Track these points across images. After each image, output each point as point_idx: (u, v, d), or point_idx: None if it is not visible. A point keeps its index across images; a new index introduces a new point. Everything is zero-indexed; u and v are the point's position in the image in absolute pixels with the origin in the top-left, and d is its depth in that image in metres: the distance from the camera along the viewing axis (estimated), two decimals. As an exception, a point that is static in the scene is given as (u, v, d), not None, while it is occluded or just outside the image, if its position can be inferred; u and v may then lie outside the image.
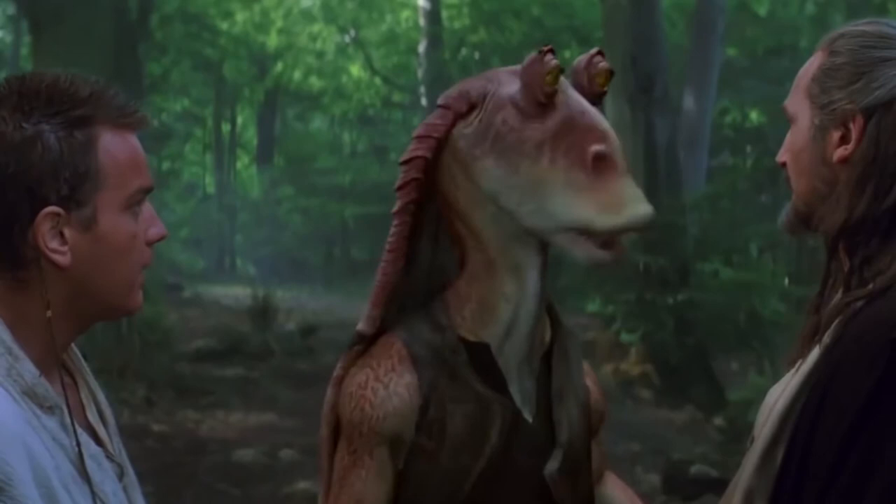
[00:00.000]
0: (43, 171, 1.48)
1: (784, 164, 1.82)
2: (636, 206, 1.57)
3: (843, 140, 1.71)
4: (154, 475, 6.57)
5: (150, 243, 1.61)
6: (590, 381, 1.86)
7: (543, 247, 1.69)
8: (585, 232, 1.59)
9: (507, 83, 1.66)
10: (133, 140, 1.59)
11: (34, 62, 10.82)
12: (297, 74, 25.84)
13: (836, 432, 1.57)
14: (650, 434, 9.11)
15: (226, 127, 32.19)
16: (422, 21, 21.66)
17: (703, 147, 14.83)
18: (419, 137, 1.71)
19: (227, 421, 9.60)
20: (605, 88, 1.69)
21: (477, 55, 21.92)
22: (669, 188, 12.02)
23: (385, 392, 1.69)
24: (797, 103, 1.78)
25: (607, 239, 1.60)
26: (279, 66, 25.36)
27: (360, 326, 1.75)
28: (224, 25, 24.13)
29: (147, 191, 1.60)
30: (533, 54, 1.61)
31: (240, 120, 33.19)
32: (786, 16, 18.80)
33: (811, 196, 1.77)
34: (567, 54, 19.84)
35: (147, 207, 1.61)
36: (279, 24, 24.11)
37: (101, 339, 9.84)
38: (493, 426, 1.68)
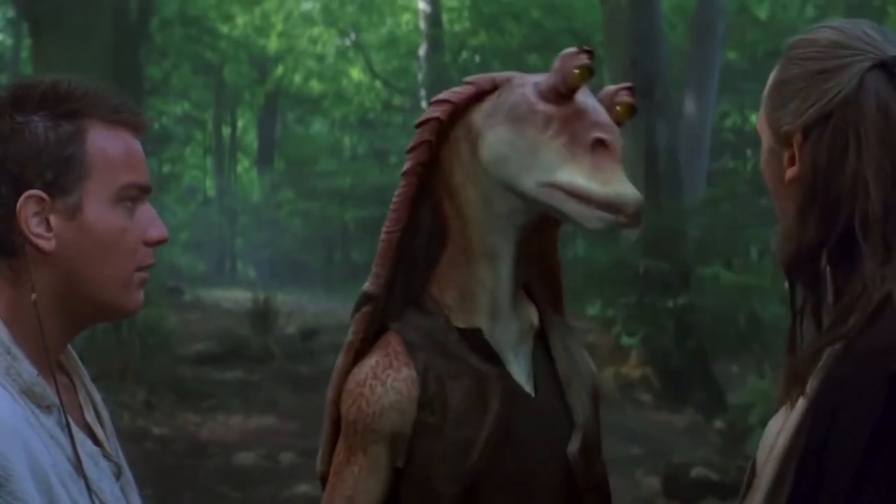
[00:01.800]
0: (27, 157, 1.52)
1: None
2: (625, 186, 1.61)
3: (792, 161, 1.60)
4: (154, 478, 6.57)
5: (149, 244, 1.62)
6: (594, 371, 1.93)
7: (519, 238, 1.75)
8: (573, 194, 1.63)
9: (533, 77, 1.73)
10: (128, 138, 1.61)
11: (34, 65, 10.83)
12: (297, 78, 25.85)
13: (842, 479, 1.48)
14: (650, 437, 9.11)
15: (226, 130, 32.22)
16: (422, 24, 21.68)
17: (704, 150, 14.83)
18: (437, 101, 1.76)
19: (228, 424, 9.61)
20: (622, 123, 1.72)
21: (477, 58, 21.92)
22: (670, 191, 12.03)
23: (382, 389, 1.72)
24: (759, 120, 1.70)
25: (607, 205, 1.62)
26: (279, 70, 25.37)
27: (367, 286, 1.78)
28: (224, 29, 24.13)
29: (142, 189, 1.61)
30: (572, 49, 1.68)
31: (240, 123, 33.21)
32: (786, 18, 18.80)
33: (781, 217, 1.67)
34: (567, 57, 19.85)
35: (147, 208, 1.62)
36: (279, 27, 24.11)
37: (101, 342, 9.84)
38: (493, 396, 1.71)
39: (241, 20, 24.02)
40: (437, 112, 1.74)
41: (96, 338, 9.88)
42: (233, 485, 7.55)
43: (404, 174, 1.76)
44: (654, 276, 11.49)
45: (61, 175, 1.53)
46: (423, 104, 21.90)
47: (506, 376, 1.74)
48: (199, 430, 9.29)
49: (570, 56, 1.65)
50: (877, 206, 1.53)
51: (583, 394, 1.81)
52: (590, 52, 1.66)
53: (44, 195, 1.52)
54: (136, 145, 1.62)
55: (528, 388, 1.77)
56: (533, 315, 1.82)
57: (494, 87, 1.74)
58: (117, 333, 10.08)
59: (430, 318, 1.75)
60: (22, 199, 1.51)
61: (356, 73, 25.39)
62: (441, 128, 1.74)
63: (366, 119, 27.01)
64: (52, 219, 1.53)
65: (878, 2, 17.38)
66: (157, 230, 1.63)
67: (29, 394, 1.52)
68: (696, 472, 7.65)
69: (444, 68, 21.14)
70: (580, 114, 1.66)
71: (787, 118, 1.60)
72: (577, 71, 1.64)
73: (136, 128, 1.63)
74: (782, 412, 1.66)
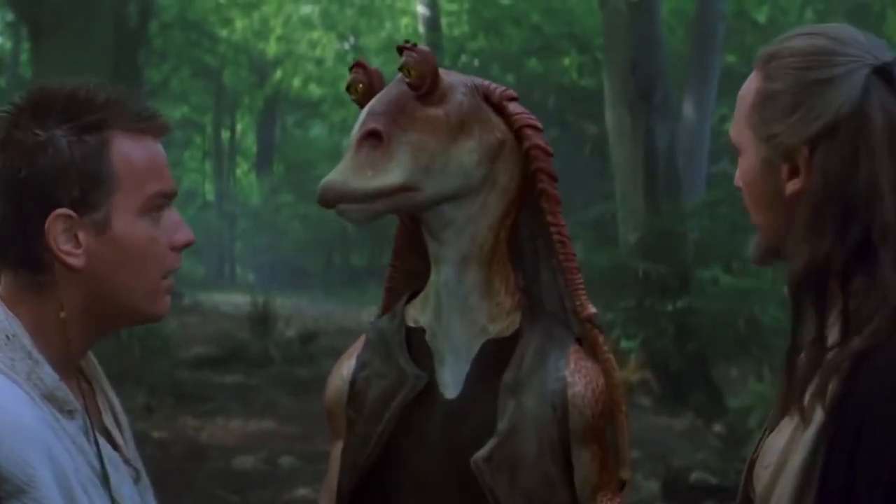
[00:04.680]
0: (53, 175, 1.50)
1: (740, 189, 1.71)
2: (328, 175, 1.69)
3: (794, 173, 1.58)
4: (153, 482, 6.56)
5: (176, 248, 1.62)
6: (581, 384, 1.80)
7: (449, 238, 1.77)
8: None
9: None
10: (151, 145, 1.59)
11: (34, 69, 10.83)
12: (296, 81, 25.87)
13: (875, 492, 1.46)
14: (650, 440, 9.09)
15: (225, 134, 32.25)
16: (421, 28, 21.65)
17: (703, 154, 14.83)
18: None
19: (227, 427, 9.60)
20: (412, 80, 1.71)
21: (476, 62, 21.90)
22: (669, 195, 12.02)
23: (334, 376, 1.84)
24: (740, 132, 1.65)
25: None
26: (279, 74, 25.40)
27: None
28: (224, 32, 24.16)
29: (169, 196, 1.61)
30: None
31: (239, 127, 33.23)
32: (785, 22, 18.80)
33: (773, 229, 1.66)
34: (566, 61, 19.89)
35: (172, 213, 1.62)
36: (279, 31, 24.13)
37: (100, 346, 9.83)
38: (398, 395, 1.76)
39: (240, 24, 24.04)
40: None
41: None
42: (232, 488, 7.54)
43: None
44: (653, 280, 11.49)
45: (88, 191, 1.52)
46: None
47: (420, 377, 1.77)
48: (199, 434, 9.28)
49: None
50: (892, 214, 1.53)
51: (530, 402, 1.75)
52: (358, 65, 1.75)
53: (72, 213, 1.51)
54: (160, 151, 1.62)
55: (453, 388, 1.78)
56: (498, 319, 1.80)
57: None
58: (116, 337, 10.07)
59: (392, 318, 1.83)
60: (50, 218, 1.50)
61: (355, 77, 25.36)
62: None
63: (365, 123, 26.97)
64: (81, 235, 1.52)
65: (877, 5, 17.40)
66: (184, 234, 1.63)
67: (51, 399, 1.51)
68: (695, 475, 7.65)
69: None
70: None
71: (789, 131, 1.57)
72: (350, 88, 1.75)
73: (159, 132, 1.62)
74: (785, 428, 1.63)
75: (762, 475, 1.66)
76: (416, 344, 1.80)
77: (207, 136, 31.97)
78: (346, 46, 25.73)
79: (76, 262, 1.52)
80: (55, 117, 1.52)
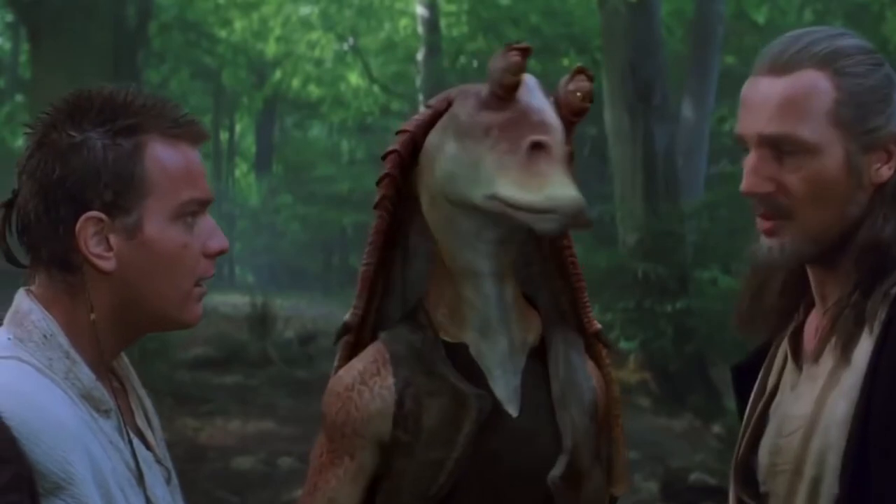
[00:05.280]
0: (85, 177, 1.50)
1: (766, 195, 1.71)
2: (559, 190, 1.58)
3: (885, 160, 1.69)
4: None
5: (209, 255, 1.61)
6: (597, 383, 1.85)
7: (495, 255, 1.72)
8: (511, 205, 1.61)
9: (481, 86, 1.71)
10: (187, 151, 1.58)
11: (33, 69, 10.83)
12: (295, 82, 25.83)
13: None
14: (648, 442, 9.09)
15: (224, 135, 32.22)
16: (420, 29, 21.66)
17: (702, 155, 14.83)
18: (398, 133, 1.78)
19: (226, 428, 9.60)
20: (585, 105, 1.70)
21: (475, 63, 21.89)
22: (668, 196, 12.03)
23: (369, 395, 1.74)
24: (822, 133, 1.67)
25: (544, 211, 1.60)
26: (278, 74, 25.36)
27: (347, 316, 1.81)
28: (223, 33, 24.14)
29: (203, 203, 1.60)
30: (502, 49, 1.66)
31: (238, 128, 33.21)
32: (784, 24, 18.79)
33: (836, 224, 1.69)
34: (566, 62, 19.86)
35: (207, 219, 1.61)
36: (278, 31, 24.10)
37: (99, 347, 9.85)
38: (466, 419, 1.70)
39: (239, 25, 24.02)
40: (396, 145, 1.76)
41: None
42: (231, 489, 7.55)
43: (375, 207, 1.79)
44: (652, 281, 11.49)
45: (121, 195, 1.51)
46: (422, 109, 21.90)
47: (484, 397, 1.72)
48: (198, 435, 9.27)
49: (500, 56, 1.64)
50: None
51: (577, 414, 1.77)
52: (522, 50, 1.64)
53: (103, 216, 1.51)
54: (196, 158, 1.61)
55: (512, 407, 1.75)
56: (531, 330, 1.79)
57: (448, 105, 1.74)
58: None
59: (419, 332, 1.76)
60: (81, 220, 1.50)
61: (354, 78, 25.37)
62: (401, 160, 1.76)
63: (364, 124, 27.00)
64: (112, 238, 1.52)
65: (875, 6, 17.39)
66: (218, 241, 1.61)
67: (88, 398, 1.52)
68: (694, 476, 7.65)
69: (442, 73, 21.13)
70: (519, 117, 1.64)
71: (884, 124, 1.67)
72: (506, 70, 1.63)
73: (196, 139, 1.61)
74: (803, 391, 1.72)
75: (784, 446, 1.71)
76: (461, 360, 1.74)
77: (206, 136, 31.93)
78: (345, 47, 25.71)
79: (106, 265, 1.52)
80: (91, 120, 1.52)
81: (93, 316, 1.53)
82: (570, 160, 1.64)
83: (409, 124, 1.77)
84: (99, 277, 1.53)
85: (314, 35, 24.88)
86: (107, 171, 1.50)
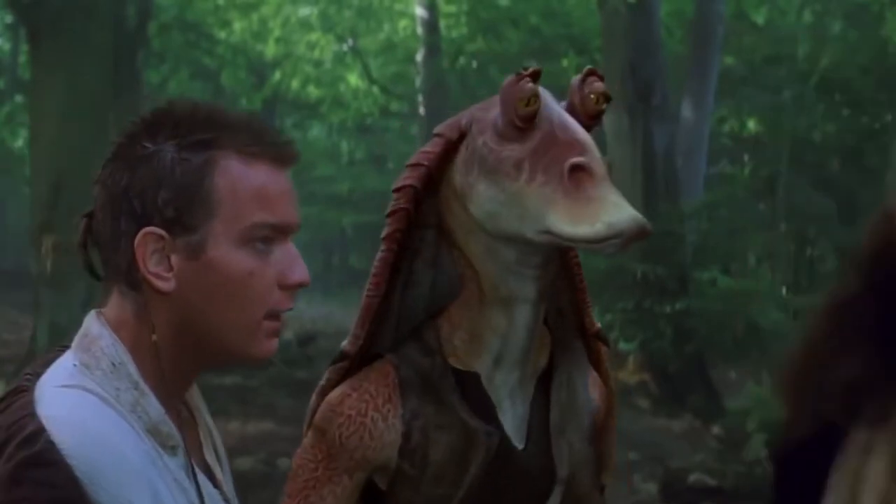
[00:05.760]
0: (150, 189, 1.40)
1: None
2: (615, 214, 1.50)
3: None
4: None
5: (287, 288, 1.47)
6: (597, 398, 1.84)
7: (540, 278, 1.67)
8: (569, 239, 1.54)
9: (494, 107, 1.64)
10: (267, 171, 1.45)
11: (32, 70, 10.82)
12: (295, 83, 25.82)
13: None
14: (648, 442, 9.10)
15: (224, 135, 32.24)
16: (420, 30, 21.66)
17: (702, 155, 14.84)
18: (411, 166, 1.72)
19: (226, 429, 9.59)
20: (602, 107, 1.64)
21: (475, 64, 21.92)
22: (667, 196, 12.03)
23: (384, 425, 1.71)
24: None
25: (604, 240, 1.52)
26: (277, 75, 25.36)
27: (345, 344, 1.76)
28: (222, 34, 24.13)
29: (281, 228, 1.46)
30: (511, 77, 1.59)
31: (238, 128, 33.22)
32: (784, 24, 18.80)
33: None
34: (565, 63, 19.86)
35: (287, 248, 1.47)
36: (277, 32, 24.10)
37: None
38: (475, 456, 1.67)
39: (238, 25, 24.01)
40: (411, 180, 1.70)
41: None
42: (231, 490, 7.55)
43: (384, 239, 1.72)
44: (651, 281, 11.49)
45: (184, 211, 1.40)
46: (421, 110, 21.92)
47: (493, 434, 1.69)
48: (197, 436, 9.28)
49: (511, 85, 1.58)
50: None
51: (576, 440, 1.75)
52: (533, 74, 1.58)
53: (163, 233, 1.40)
54: (278, 180, 1.47)
55: (519, 437, 1.73)
56: (542, 353, 1.77)
57: (462, 135, 1.68)
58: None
59: (428, 357, 1.71)
60: (140, 235, 1.40)
61: (354, 79, 25.38)
62: (416, 194, 1.70)
63: (364, 124, 27.03)
64: (173, 257, 1.41)
65: (875, 7, 17.39)
66: (298, 273, 1.47)
67: (154, 432, 1.43)
68: (693, 477, 7.65)
69: (441, 74, 21.15)
70: (547, 143, 1.56)
71: None
72: (521, 102, 1.56)
73: (279, 160, 1.48)
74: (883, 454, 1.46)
75: None
76: (471, 391, 1.71)
77: (206, 137, 31.96)
78: (345, 48, 25.71)
79: (164, 285, 1.42)
80: (167, 132, 1.42)
81: (154, 337, 1.43)
82: (610, 171, 1.56)
83: (424, 157, 1.69)
84: (159, 297, 1.43)
85: (313, 36, 24.88)
86: (172, 185, 1.40)
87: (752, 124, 20.36)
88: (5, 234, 27.32)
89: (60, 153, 9.67)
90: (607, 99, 1.64)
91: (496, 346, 1.69)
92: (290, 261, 1.47)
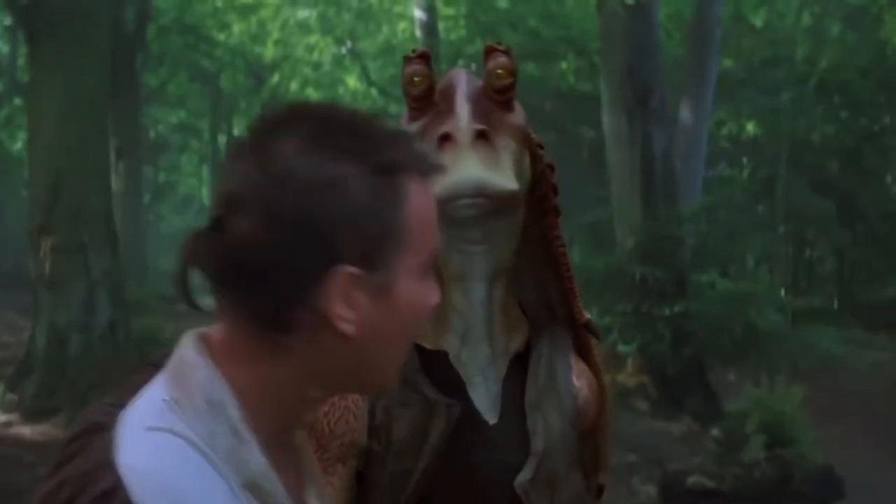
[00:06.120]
0: (342, 221, 1.18)
1: None
2: (456, 174, 1.59)
3: None
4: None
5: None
6: (583, 383, 1.85)
7: (487, 255, 1.71)
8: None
9: None
10: (432, 192, 1.30)
11: (31, 72, 10.81)
12: (293, 86, 25.84)
13: None
14: (647, 445, 9.10)
15: (222, 138, 32.23)
16: (418, 32, 21.65)
17: (700, 158, 14.83)
18: None
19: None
20: (505, 82, 1.68)
21: (473, 66, 21.93)
22: (666, 199, 12.03)
23: (364, 406, 1.75)
24: None
25: (450, 199, 1.61)
26: (276, 77, 25.38)
27: None
28: (221, 36, 24.15)
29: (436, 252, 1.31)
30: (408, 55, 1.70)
31: (236, 131, 33.17)
32: (782, 26, 18.81)
33: None
34: (564, 65, 19.88)
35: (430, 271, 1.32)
36: (276, 35, 24.12)
37: (98, 351, 9.82)
38: (434, 427, 1.70)
39: (237, 28, 24.03)
40: None
41: (93, 347, 9.86)
42: (229, 493, 7.54)
43: None
44: (650, 284, 11.49)
45: (379, 247, 1.21)
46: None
47: (454, 405, 1.71)
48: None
49: (405, 66, 1.69)
50: None
51: (554, 419, 1.76)
52: (419, 57, 1.68)
53: (359, 272, 1.19)
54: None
55: (491, 414, 1.75)
56: (516, 336, 1.79)
57: None
58: (114, 342, 10.07)
59: None
60: (336, 275, 1.18)
61: (352, 81, 25.40)
62: None
63: (362, 127, 27.02)
64: (361, 297, 1.20)
65: (874, 9, 17.41)
66: (436, 296, 1.31)
67: (252, 488, 1.20)
68: (692, 479, 7.65)
69: (440, 77, 21.16)
70: (434, 117, 1.67)
71: None
72: (408, 82, 1.68)
73: (434, 174, 1.31)
74: None
75: None
76: (440, 368, 1.74)
77: (204, 140, 31.95)
78: (343, 51, 25.72)
79: (349, 329, 1.20)
80: (346, 150, 1.20)
81: (314, 392, 1.25)
82: (486, 137, 1.62)
83: None
84: (332, 343, 1.21)
85: (312, 38, 24.89)
86: (367, 216, 1.20)
87: (750, 126, 20.39)
88: (4, 236, 27.33)
89: (59, 155, 9.67)
90: (511, 74, 1.69)
91: (459, 324, 1.73)
92: (434, 284, 1.32)
